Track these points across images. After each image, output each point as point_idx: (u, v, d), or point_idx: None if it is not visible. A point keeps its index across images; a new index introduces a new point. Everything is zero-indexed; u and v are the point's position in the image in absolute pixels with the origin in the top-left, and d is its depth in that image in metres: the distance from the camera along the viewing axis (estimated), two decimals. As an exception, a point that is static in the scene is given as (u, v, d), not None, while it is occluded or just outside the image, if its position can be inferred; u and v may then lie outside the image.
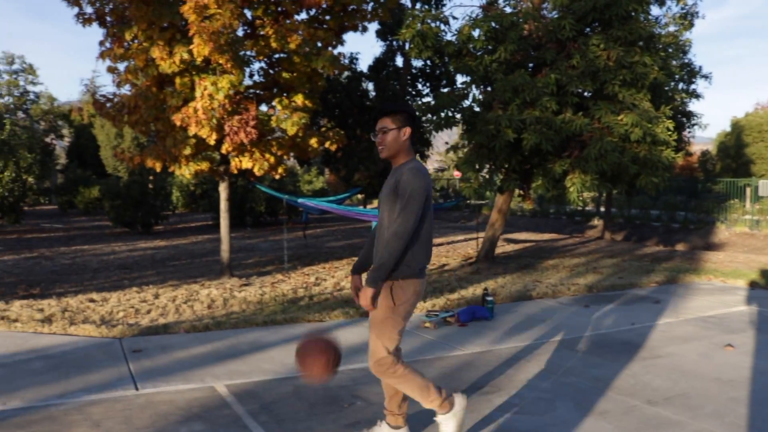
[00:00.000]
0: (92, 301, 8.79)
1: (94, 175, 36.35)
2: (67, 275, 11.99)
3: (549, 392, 4.86)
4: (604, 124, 10.42)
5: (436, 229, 23.99)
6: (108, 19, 9.65)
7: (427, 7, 16.96)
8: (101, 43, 9.82)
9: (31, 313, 7.72)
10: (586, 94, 11.36)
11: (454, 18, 13.45)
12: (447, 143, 13.46)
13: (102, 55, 9.69)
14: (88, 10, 9.56)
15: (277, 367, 5.47)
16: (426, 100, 16.85)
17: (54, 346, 6.29)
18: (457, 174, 12.99)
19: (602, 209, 22.54)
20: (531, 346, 6.26)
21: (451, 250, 16.10)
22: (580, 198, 10.95)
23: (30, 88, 56.58)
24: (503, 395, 4.77)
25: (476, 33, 11.23)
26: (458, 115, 11.62)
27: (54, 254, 15.63)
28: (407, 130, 3.59)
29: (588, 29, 11.49)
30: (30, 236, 20.86)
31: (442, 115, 11.54)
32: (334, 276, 11.36)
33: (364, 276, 3.69)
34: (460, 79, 14.15)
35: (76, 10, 9.53)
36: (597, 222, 22.80)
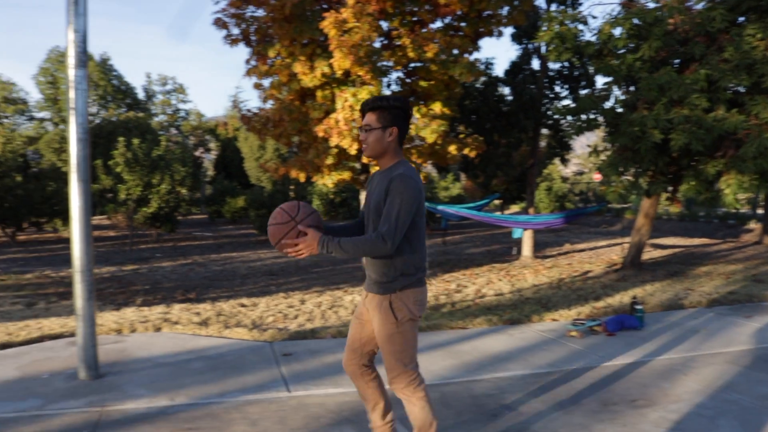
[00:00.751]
0: (243, 305, 9.30)
1: (239, 185, 38.39)
2: (219, 281, 12.74)
3: (709, 409, 4.61)
4: (762, 120, 9.74)
5: (576, 235, 23.32)
6: (252, 38, 10.21)
7: (563, 7, 16.59)
8: (247, 61, 10.41)
9: (189, 317, 8.29)
10: (740, 89, 10.67)
11: (593, 17, 13.00)
12: (588, 146, 13.08)
13: (248, 73, 10.26)
14: (235, 31, 10.17)
15: (423, 374, 5.54)
16: (565, 102, 16.49)
17: (211, 348, 6.71)
18: (597, 177, 12.59)
19: (759, 211, 21.01)
20: (686, 358, 5.96)
21: (594, 256, 15.60)
22: (737, 200, 10.28)
23: (181, 106, 60.85)
24: (658, 410, 4.58)
25: (617, 31, 10.85)
26: (600, 118, 11.27)
27: (206, 261, 16.66)
28: (394, 130, 3.24)
29: (742, 18, 10.79)
30: (184, 244, 22.38)
31: (584, 117, 11.23)
32: (475, 283, 11.34)
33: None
34: (601, 80, 13.71)
35: (224, 32, 10.16)
36: (754, 225, 21.28)
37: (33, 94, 58.55)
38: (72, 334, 7.34)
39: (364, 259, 3.38)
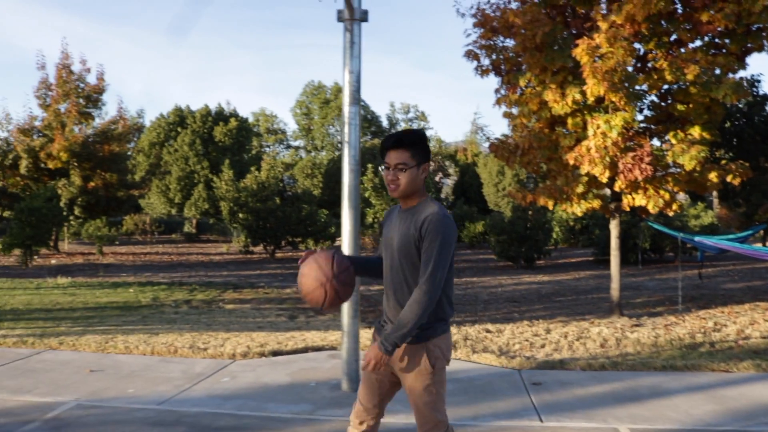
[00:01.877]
0: (488, 331, 9.46)
1: (477, 210, 38.99)
2: (462, 305, 13.07)
3: None
4: None
5: None
6: (503, 68, 10.46)
7: None
8: (496, 91, 10.68)
9: (438, 340, 8.64)
10: None
11: None
12: None
13: (498, 102, 10.51)
14: (485, 62, 10.48)
15: (682, 417, 5.27)
16: None
17: (460, 371, 6.95)
18: None
19: None
20: None
21: None
22: None
23: (423, 132, 63.30)
24: None
25: None
26: None
27: (448, 285, 17.16)
28: (426, 167, 3.04)
29: None
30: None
31: None
32: (736, 322, 10.45)
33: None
34: None
35: (474, 63, 10.53)
36: None
37: (290, 125, 64.74)
38: (332, 347, 8.03)
39: (390, 305, 3.10)
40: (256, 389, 6.01)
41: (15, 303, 12.13)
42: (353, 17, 5.61)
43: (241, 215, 28.68)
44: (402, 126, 62.82)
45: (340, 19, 5.68)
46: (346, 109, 5.66)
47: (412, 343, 3.03)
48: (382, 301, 3.11)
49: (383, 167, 3.08)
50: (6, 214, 30.62)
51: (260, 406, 5.49)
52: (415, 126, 62.78)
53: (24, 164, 28.41)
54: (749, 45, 10.49)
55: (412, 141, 3.00)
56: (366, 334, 8.94)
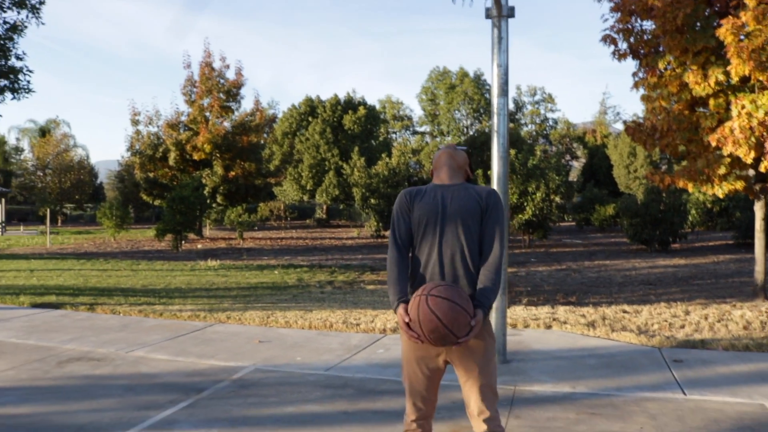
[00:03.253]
0: (625, 312, 9.57)
1: (608, 193, 38.06)
2: (596, 287, 13.11)
3: None
4: None
5: None
6: (641, 51, 10.39)
7: None
8: (634, 74, 10.61)
9: (576, 318, 8.87)
10: None
11: None
12: None
13: (636, 85, 10.46)
14: (623, 46, 10.45)
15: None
16: None
17: (601, 348, 7.20)
18: None
19: None
20: None
21: None
22: None
23: (549, 115, 62.19)
24: None
25: None
26: None
27: (580, 267, 17.12)
28: (468, 160, 3.40)
29: None
30: (555, 250, 23.14)
31: None
32: None
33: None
34: None
35: (611, 48, 10.51)
36: None
37: (416, 111, 65.37)
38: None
39: (445, 271, 3.06)
40: (410, 357, 6.54)
41: (177, 283, 13.39)
42: (501, 14, 5.95)
43: (372, 201, 29.61)
44: (529, 108, 61.92)
45: (488, 15, 6.02)
46: (495, 100, 6.02)
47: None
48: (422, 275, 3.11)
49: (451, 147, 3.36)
50: (157, 202, 33.24)
51: (416, 371, 6.02)
52: (542, 109, 61.72)
53: (173, 156, 30.68)
54: None
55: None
56: (513, 312, 9.30)
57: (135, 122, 32.21)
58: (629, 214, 22.55)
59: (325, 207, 52.72)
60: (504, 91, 6.07)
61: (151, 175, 32.16)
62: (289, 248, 25.48)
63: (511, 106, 60.65)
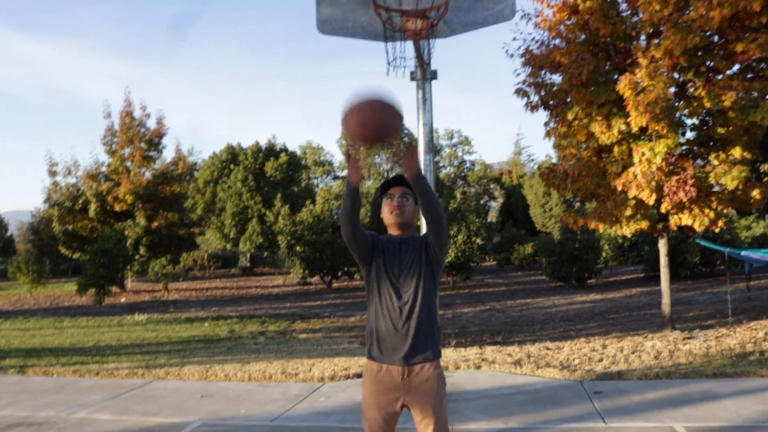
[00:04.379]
0: (548, 348, 10.14)
1: (525, 232, 39.46)
2: (519, 326, 13.73)
3: None
4: None
5: None
6: (551, 103, 11.24)
7: None
8: (546, 124, 11.45)
9: (503, 357, 9.36)
10: None
11: None
12: None
13: (548, 134, 11.28)
14: (535, 98, 11.28)
15: (732, 416, 5.91)
16: None
17: (528, 384, 7.67)
18: None
19: None
20: None
21: None
22: None
23: (467, 157, 64.07)
24: None
25: None
26: None
27: (503, 307, 17.81)
28: (418, 208, 3.42)
29: None
30: (479, 291, 23.89)
31: None
32: (787, 332, 10.90)
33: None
34: None
35: (524, 100, 11.33)
36: None
37: (337, 156, 66.20)
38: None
39: (405, 329, 3.25)
40: (351, 406, 6.81)
41: (107, 340, 13.21)
42: (425, 77, 6.48)
43: (298, 248, 29.73)
44: (447, 151, 63.59)
45: (413, 78, 6.54)
46: (422, 157, 6.50)
47: (433, 360, 3.29)
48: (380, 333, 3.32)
49: (386, 199, 3.43)
50: (76, 255, 32.34)
51: (359, 418, 6.32)
52: (459, 151, 63.53)
53: (93, 208, 30.07)
54: (785, 68, 11.06)
55: (408, 183, 3.35)
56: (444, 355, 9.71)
57: (53, 173, 31.45)
58: (547, 252, 23.57)
59: (249, 255, 52.32)
60: (430, 148, 6.56)
61: (70, 227, 31.36)
62: (216, 299, 25.28)
63: (430, 149, 62.18)
